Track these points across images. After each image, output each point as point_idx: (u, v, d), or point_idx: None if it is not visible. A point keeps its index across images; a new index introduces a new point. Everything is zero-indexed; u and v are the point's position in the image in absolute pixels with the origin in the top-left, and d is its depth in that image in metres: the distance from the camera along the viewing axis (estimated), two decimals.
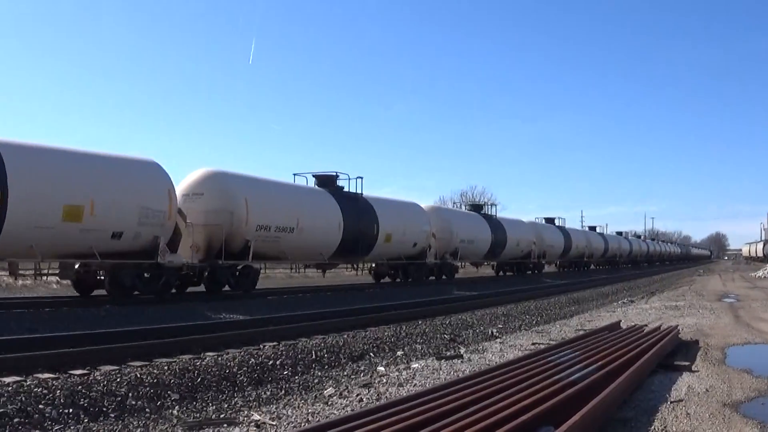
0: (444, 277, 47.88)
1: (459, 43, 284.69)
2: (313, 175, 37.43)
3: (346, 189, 37.71)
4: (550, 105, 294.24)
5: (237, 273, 29.67)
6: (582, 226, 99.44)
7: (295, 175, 37.13)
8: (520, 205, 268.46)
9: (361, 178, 38.35)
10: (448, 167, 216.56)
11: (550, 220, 75.41)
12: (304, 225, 31.80)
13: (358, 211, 36.75)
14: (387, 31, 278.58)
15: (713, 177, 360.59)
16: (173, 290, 27.07)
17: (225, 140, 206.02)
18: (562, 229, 74.93)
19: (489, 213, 58.15)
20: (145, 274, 25.14)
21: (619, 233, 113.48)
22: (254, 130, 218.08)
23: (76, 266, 24.76)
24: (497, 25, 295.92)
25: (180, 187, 28.42)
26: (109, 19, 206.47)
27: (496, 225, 55.75)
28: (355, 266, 41.51)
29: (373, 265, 42.94)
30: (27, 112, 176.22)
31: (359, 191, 38.25)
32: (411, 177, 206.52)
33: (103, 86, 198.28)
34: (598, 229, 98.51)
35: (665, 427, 8.37)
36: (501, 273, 63.62)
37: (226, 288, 29.20)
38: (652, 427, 8.34)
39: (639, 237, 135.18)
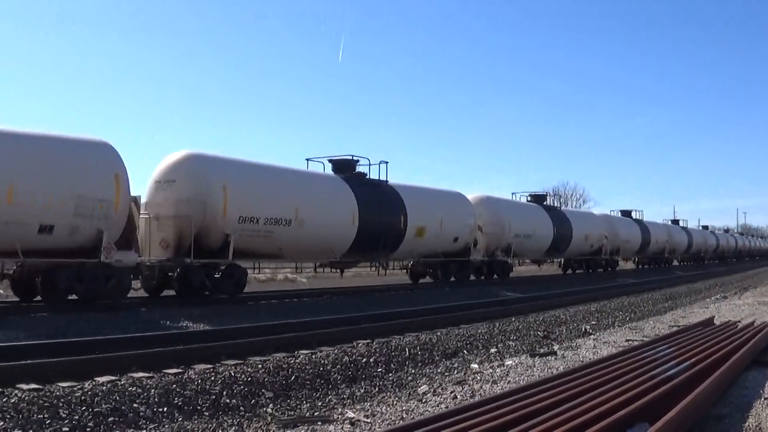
0: (495, 276, 42.56)
1: (550, 41, 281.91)
2: (329, 160, 32.97)
3: (370, 176, 33.28)
4: (642, 101, 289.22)
5: (219, 274, 25.49)
6: (671, 221, 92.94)
7: (308, 160, 32.66)
8: (612, 200, 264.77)
9: (386, 162, 33.65)
10: (541, 164, 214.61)
11: (626, 213, 68.76)
12: (305, 216, 27.22)
13: (379, 200, 32.11)
14: (477, 28, 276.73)
15: None
16: (143, 295, 24.60)
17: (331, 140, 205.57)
18: (639, 222, 68.41)
19: (553, 205, 54.19)
20: (97, 277, 21.34)
21: (705, 227, 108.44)
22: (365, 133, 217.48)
23: (16, 266, 21.31)
24: (588, 22, 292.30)
25: (153, 173, 25.16)
26: (203, 12, 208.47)
27: (560, 218, 49.98)
28: (377, 265, 36.87)
29: (410, 263, 38.63)
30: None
31: (384, 178, 33.58)
32: (504, 174, 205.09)
33: (190, 82, 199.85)
34: (681, 223, 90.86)
35: (759, 423, 8.34)
36: (569, 271, 57.60)
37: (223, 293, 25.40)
38: (746, 424, 8.31)
39: (727, 231, 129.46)
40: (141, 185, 38.35)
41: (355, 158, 32.79)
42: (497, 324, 19.56)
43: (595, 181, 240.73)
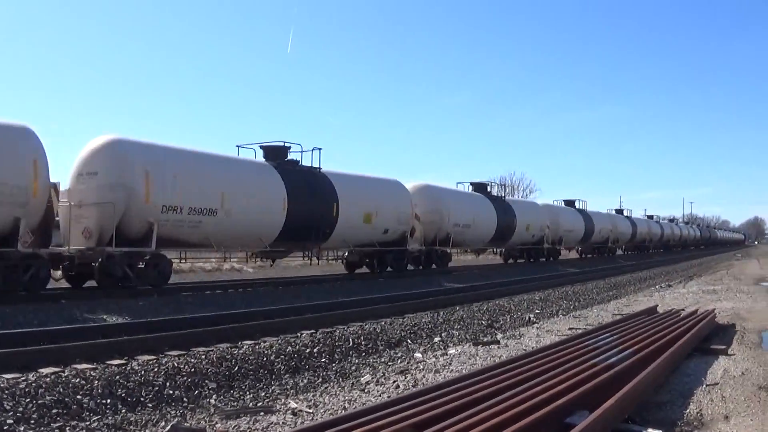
0: (434, 266, 40.96)
1: (499, 33, 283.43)
2: (260, 147, 31.04)
3: (302, 163, 31.55)
4: (590, 94, 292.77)
5: (143, 264, 24.21)
6: (614, 210, 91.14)
7: (238, 146, 30.61)
8: (559, 191, 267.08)
9: (320, 149, 31.93)
10: (489, 155, 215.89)
11: (570, 203, 67.87)
12: (232, 206, 26.12)
13: (311, 188, 30.49)
14: (424, 21, 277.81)
15: (754, 161, 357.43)
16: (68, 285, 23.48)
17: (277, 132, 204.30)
18: (582, 212, 67.29)
19: (497, 194, 50.75)
20: (13, 267, 20.56)
21: (650, 217, 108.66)
22: (309, 123, 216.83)
23: None
24: (536, 13, 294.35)
25: (76, 159, 23.83)
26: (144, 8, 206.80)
27: (504, 207, 48.58)
28: (309, 255, 35.17)
29: (345, 253, 36.75)
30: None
31: (318, 166, 31.85)
32: (451, 166, 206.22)
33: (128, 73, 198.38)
34: (626, 212, 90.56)
35: (700, 410, 8.41)
36: (511, 261, 56.19)
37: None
38: (687, 411, 8.37)
39: (672, 221, 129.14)
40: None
41: (286, 144, 31.21)
42: (441, 313, 19.52)
43: (542, 172, 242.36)
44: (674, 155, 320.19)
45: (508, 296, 25.18)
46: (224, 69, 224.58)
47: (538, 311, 21.17)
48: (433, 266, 40.66)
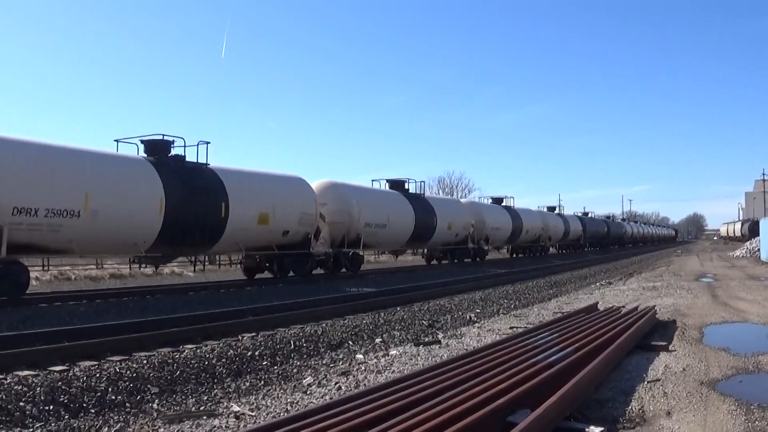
0: (344, 270, 37.95)
1: (438, 33, 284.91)
2: (141, 141, 28.05)
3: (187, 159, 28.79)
4: (531, 93, 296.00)
5: None
6: (560, 209, 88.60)
7: (117, 141, 28.04)
8: (499, 189, 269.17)
9: (207, 143, 29.40)
10: (430, 155, 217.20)
11: (497, 200, 65.38)
12: (99, 207, 23.63)
13: (195, 186, 27.85)
14: (368, 22, 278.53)
15: (692, 159, 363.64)
16: None
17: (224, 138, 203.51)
18: (510, 209, 64.84)
19: (417, 192, 47.60)
20: None
21: (585, 214, 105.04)
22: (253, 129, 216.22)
23: None
24: (473, 10, 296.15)
25: None
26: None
27: (422, 206, 45.96)
28: (195, 261, 31.70)
29: (241, 258, 33.95)
30: None
31: (205, 161, 29.23)
32: (391, 166, 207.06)
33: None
34: (557, 211, 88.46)
35: (642, 406, 8.40)
36: (434, 262, 53.07)
37: None
38: (629, 408, 8.36)
39: (609, 218, 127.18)
40: None
41: (167, 138, 28.13)
42: (382, 314, 19.50)
43: (482, 171, 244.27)
44: (612, 154, 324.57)
45: (449, 296, 25.13)
46: (155, 74, 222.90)
47: (478, 311, 21.16)
48: (343, 270, 37.91)
